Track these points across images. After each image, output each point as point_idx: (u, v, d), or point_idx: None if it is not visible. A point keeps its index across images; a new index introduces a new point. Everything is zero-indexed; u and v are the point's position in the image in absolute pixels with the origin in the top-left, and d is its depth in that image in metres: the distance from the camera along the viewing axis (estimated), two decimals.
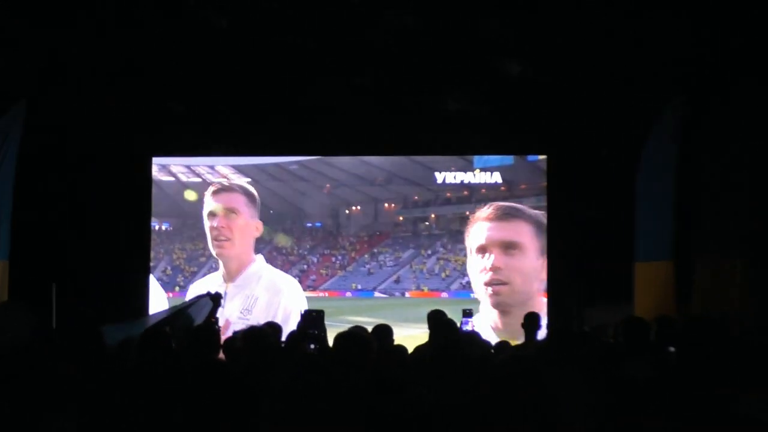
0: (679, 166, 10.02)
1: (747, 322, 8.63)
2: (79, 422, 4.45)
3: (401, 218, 15.56)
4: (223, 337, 7.53)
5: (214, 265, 13.69)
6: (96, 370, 5.14)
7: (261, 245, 13.37)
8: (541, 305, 11.69)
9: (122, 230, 11.99)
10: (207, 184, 13.58)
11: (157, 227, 14.02)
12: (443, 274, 15.03)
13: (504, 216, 12.47)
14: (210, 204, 13.10)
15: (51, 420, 4.30)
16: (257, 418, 4.34)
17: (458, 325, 8.40)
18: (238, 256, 13.05)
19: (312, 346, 6.95)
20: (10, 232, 10.64)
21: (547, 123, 11.61)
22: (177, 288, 14.03)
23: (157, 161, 13.11)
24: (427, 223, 15.46)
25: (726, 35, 9.68)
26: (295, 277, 13.89)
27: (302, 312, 7.38)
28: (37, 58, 10.69)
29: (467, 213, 14.13)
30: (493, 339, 9.25)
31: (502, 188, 13.51)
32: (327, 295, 15.01)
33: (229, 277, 12.92)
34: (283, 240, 14.51)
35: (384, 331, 7.74)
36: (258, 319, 11.05)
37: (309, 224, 15.14)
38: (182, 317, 8.29)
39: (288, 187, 14.47)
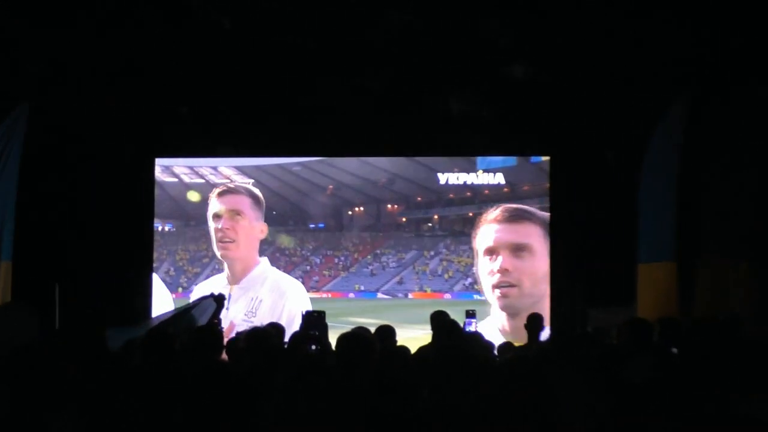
0: (681, 167, 10.01)
1: (749, 324, 8.63)
2: (81, 423, 4.46)
3: (404, 219, 15.54)
4: (226, 339, 7.54)
5: (217, 267, 13.69)
6: (98, 370, 5.15)
7: (264, 246, 13.38)
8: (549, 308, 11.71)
9: (125, 231, 12.00)
10: (210, 185, 13.58)
11: (159, 228, 14.02)
12: (446, 276, 15.02)
13: (513, 218, 12.46)
14: (215, 206, 13.12)
15: (51, 420, 4.30)
16: (257, 419, 4.34)
17: (461, 325, 8.41)
18: (242, 258, 13.05)
19: (313, 347, 6.95)
20: (14, 233, 10.65)
21: (549, 124, 11.61)
22: (180, 289, 14.03)
23: (159, 162, 13.12)
24: (430, 225, 15.44)
25: (728, 35, 9.68)
26: (298, 278, 13.88)
27: (303, 313, 7.40)
28: (40, 60, 10.70)
29: (470, 214, 14.12)
30: (500, 341, 9.23)
31: (505, 189, 13.50)
32: (330, 296, 14.99)
33: (234, 279, 12.93)
34: (285, 241, 14.50)
35: (387, 332, 7.75)
36: (262, 321, 11.03)
37: (312, 225, 15.12)
38: (185, 318, 8.32)
39: (291, 188, 14.47)
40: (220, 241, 13.04)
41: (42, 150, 11.22)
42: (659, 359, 5.99)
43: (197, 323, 8.09)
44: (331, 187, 14.58)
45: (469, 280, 14.31)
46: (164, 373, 5.30)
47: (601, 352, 5.67)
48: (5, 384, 4.39)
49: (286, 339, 7.54)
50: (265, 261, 13.15)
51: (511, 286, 12.22)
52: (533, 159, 13.18)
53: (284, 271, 13.60)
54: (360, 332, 6.05)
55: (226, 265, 13.04)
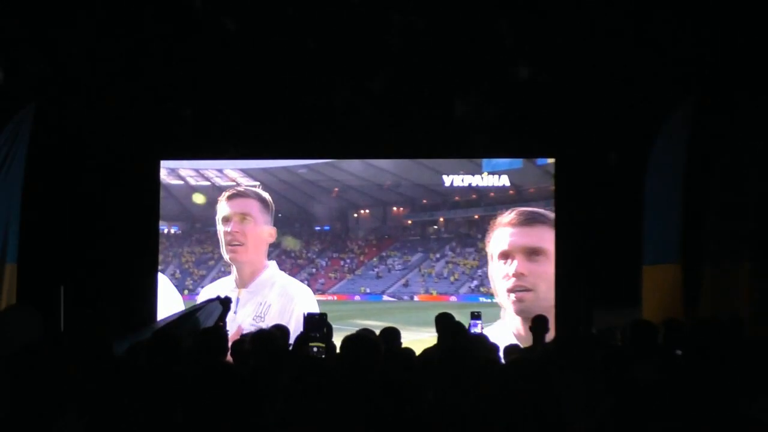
0: (686, 169, 10.01)
1: (753, 324, 8.63)
2: (82, 423, 4.47)
3: (410, 222, 15.53)
4: (232, 342, 7.55)
5: (222, 269, 13.70)
6: (100, 370, 5.15)
7: (269, 249, 13.37)
8: None
9: (130, 233, 12.02)
10: (216, 188, 13.58)
11: (165, 230, 14.03)
12: (452, 278, 14.99)
13: (527, 221, 12.41)
14: (224, 209, 13.12)
15: (53, 421, 4.31)
16: (260, 419, 4.34)
17: (467, 327, 8.41)
18: (251, 261, 13.06)
19: (315, 349, 6.96)
20: (19, 235, 10.67)
21: (555, 126, 11.60)
22: (186, 291, 14.02)
23: (165, 165, 13.14)
24: (435, 227, 15.43)
25: (733, 37, 9.68)
26: (303, 280, 13.87)
27: (305, 315, 7.39)
28: (45, 62, 10.72)
29: (476, 216, 14.12)
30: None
31: (511, 192, 13.49)
32: (336, 298, 14.98)
33: (242, 283, 12.93)
34: (291, 243, 14.50)
35: (391, 334, 7.76)
36: (270, 326, 11.07)
37: (317, 228, 15.12)
38: (190, 321, 8.32)
39: (296, 191, 14.46)
40: (228, 244, 13.04)
41: (47, 152, 11.24)
42: (663, 361, 5.99)
43: (202, 326, 8.09)
44: (336, 189, 14.57)
45: (475, 282, 14.30)
46: (167, 374, 5.31)
47: (605, 354, 5.67)
48: (7, 385, 4.40)
49: (291, 341, 7.55)
50: (273, 265, 13.16)
51: (527, 290, 12.16)
52: (539, 161, 13.16)
53: (290, 274, 13.60)
54: (365, 334, 6.04)
55: (234, 269, 13.06)
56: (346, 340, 5.63)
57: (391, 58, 10.92)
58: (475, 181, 13.48)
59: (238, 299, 12.48)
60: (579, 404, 4.89)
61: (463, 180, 13.51)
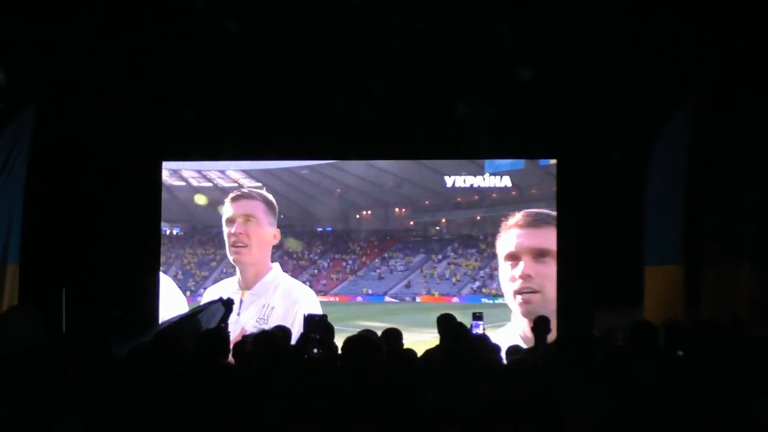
0: (688, 170, 10.00)
1: (754, 324, 8.62)
2: (82, 423, 4.47)
3: (412, 223, 15.54)
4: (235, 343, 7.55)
5: (225, 270, 13.71)
6: (100, 371, 5.16)
7: (272, 250, 13.39)
8: None
9: (132, 235, 12.03)
10: (218, 189, 13.60)
11: (167, 232, 14.05)
12: (454, 279, 15.00)
13: (535, 223, 12.38)
14: (229, 210, 13.12)
15: (52, 421, 4.31)
16: (260, 419, 4.35)
17: (468, 327, 8.41)
18: (255, 263, 13.05)
19: (315, 350, 6.95)
20: (21, 237, 10.68)
21: (556, 127, 11.60)
22: (188, 292, 14.02)
23: (167, 166, 13.16)
24: (437, 228, 15.43)
25: (733, 37, 9.67)
26: (305, 282, 13.88)
27: (305, 316, 7.38)
28: (47, 63, 10.73)
29: (478, 217, 14.12)
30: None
31: (513, 193, 13.49)
32: (338, 299, 14.99)
33: (246, 285, 12.92)
34: (293, 244, 14.51)
35: (393, 335, 7.76)
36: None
37: (319, 228, 15.13)
38: (192, 323, 8.32)
39: (298, 192, 14.48)
40: (233, 245, 13.04)
41: (49, 153, 11.25)
42: (663, 361, 6.00)
43: (204, 328, 8.09)
44: (338, 190, 14.58)
45: (477, 283, 14.31)
46: (167, 374, 5.31)
47: (606, 355, 5.68)
48: (7, 385, 4.40)
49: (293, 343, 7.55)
50: (277, 267, 13.16)
51: (534, 292, 12.13)
52: (541, 162, 13.17)
53: (292, 275, 13.59)
54: (366, 335, 6.05)
55: (238, 270, 13.06)
56: (348, 341, 5.63)
57: (392, 59, 10.92)
58: (477, 182, 13.49)
59: (241, 301, 12.49)
60: (579, 404, 4.90)
61: (465, 181, 13.52)
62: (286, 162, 13.96)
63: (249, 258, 13.03)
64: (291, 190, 14.33)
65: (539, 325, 8.79)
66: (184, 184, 13.89)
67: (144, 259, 12.36)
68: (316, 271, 15.15)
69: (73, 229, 11.66)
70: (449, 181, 13.61)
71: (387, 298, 15.20)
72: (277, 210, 13.20)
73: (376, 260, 15.55)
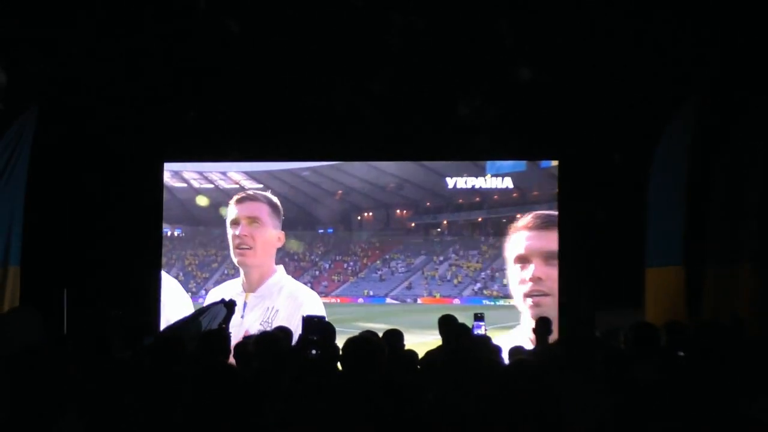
0: (690, 171, 10.00)
1: (754, 325, 8.62)
2: (82, 423, 4.47)
3: (413, 224, 15.51)
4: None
5: (226, 272, 13.70)
6: (100, 371, 5.16)
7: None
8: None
9: (134, 236, 12.03)
10: (219, 190, 13.59)
11: (168, 233, 14.04)
12: (455, 281, 14.98)
13: (544, 225, 12.38)
14: (233, 212, 13.12)
15: (52, 421, 4.31)
16: (260, 419, 4.35)
17: (470, 328, 8.40)
18: (259, 265, 13.04)
19: (314, 352, 6.95)
20: (22, 238, 10.68)
21: (558, 128, 11.60)
22: (189, 294, 14.02)
23: (169, 167, 13.16)
24: (438, 230, 15.41)
25: (734, 37, 9.67)
26: (306, 283, 13.88)
27: (303, 317, 7.37)
28: (49, 63, 10.74)
29: (479, 219, 14.10)
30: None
31: (514, 194, 13.48)
32: (339, 301, 14.97)
33: (250, 287, 12.91)
34: (294, 246, 14.50)
35: (395, 336, 7.77)
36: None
37: (320, 230, 15.11)
38: (193, 324, 8.33)
39: (300, 193, 14.46)
40: (237, 247, 13.03)
41: (51, 154, 11.25)
42: (663, 361, 5.99)
43: (205, 329, 8.09)
44: (340, 191, 14.57)
45: (478, 285, 14.29)
46: (167, 374, 5.31)
47: (607, 356, 5.67)
48: (7, 385, 4.40)
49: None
50: (281, 269, 13.15)
51: (544, 294, 12.13)
52: (542, 164, 13.16)
53: (293, 277, 13.59)
54: (367, 336, 6.04)
55: (241, 272, 13.05)
56: (349, 343, 5.62)
57: (392, 59, 10.93)
58: (479, 183, 13.48)
59: (245, 303, 12.50)
60: (579, 404, 4.89)
61: (466, 182, 13.51)
62: (288, 163, 13.96)
63: (253, 260, 13.03)
64: (292, 192, 14.32)
65: (540, 326, 8.81)
66: (185, 185, 13.88)
67: (145, 260, 12.36)
68: (317, 272, 15.13)
69: (74, 230, 11.66)
70: (450, 182, 13.61)
71: (388, 300, 15.18)
72: (281, 212, 13.20)
73: (378, 262, 15.53)
